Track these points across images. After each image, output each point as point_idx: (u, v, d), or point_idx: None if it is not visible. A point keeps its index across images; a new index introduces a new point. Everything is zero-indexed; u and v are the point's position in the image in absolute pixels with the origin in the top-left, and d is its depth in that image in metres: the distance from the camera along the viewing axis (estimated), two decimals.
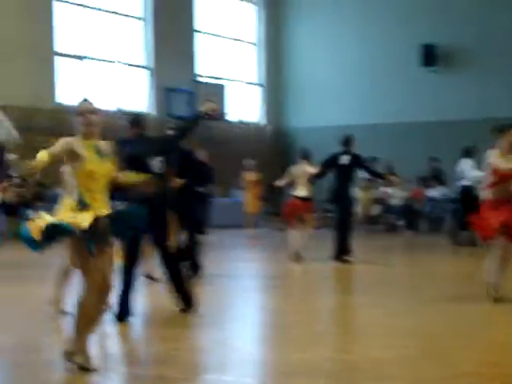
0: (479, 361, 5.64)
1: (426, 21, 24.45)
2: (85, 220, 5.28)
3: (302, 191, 12.65)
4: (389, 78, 24.96)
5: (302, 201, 12.62)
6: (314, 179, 12.59)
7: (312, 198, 12.84)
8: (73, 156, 5.52)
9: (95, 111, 5.67)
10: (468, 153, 15.38)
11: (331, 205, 12.99)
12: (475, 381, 5.08)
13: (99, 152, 5.59)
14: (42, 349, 6.28)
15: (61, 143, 5.60)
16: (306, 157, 12.86)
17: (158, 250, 7.77)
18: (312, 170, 12.60)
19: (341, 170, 12.43)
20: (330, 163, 12.57)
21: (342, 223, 12.52)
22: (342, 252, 12.34)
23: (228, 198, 22.96)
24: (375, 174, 13.37)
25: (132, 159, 7.35)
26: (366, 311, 8.15)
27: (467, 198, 14.03)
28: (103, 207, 5.46)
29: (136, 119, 8.11)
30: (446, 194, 20.41)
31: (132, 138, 7.97)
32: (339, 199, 12.56)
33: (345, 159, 12.37)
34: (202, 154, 20.62)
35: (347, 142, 12.54)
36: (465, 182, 14.94)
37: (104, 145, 5.67)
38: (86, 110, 5.64)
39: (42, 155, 5.39)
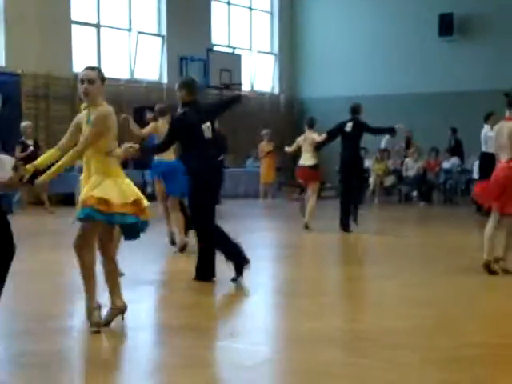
0: (490, 331, 5.67)
1: None
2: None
3: (307, 160, 12.91)
4: (404, 48, 24.78)
5: (309, 169, 12.83)
6: (318, 146, 12.85)
7: (318, 166, 13.03)
8: (78, 129, 5.70)
9: (93, 80, 5.60)
10: (485, 119, 15.37)
11: (339, 173, 13.07)
12: (486, 351, 5.11)
13: (89, 121, 5.60)
14: (59, 316, 6.35)
15: (71, 125, 5.77)
16: (312, 125, 13.17)
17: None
18: (317, 137, 12.79)
19: (345, 137, 12.58)
20: (336, 131, 12.73)
21: (346, 192, 12.65)
22: (346, 221, 12.45)
23: (243, 168, 22.99)
24: (382, 130, 13.43)
25: (193, 127, 7.71)
26: (377, 282, 8.19)
27: (485, 165, 13.96)
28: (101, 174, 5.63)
29: (193, 85, 8.31)
30: (461, 165, 20.38)
31: (188, 105, 8.12)
32: (345, 167, 12.66)
33: (349, 126, 12.51)
34: (216, 124, 20.58)
35: (354, 110, 12.69)
36: (484, 149, 14.90)
37: (95, 113, 5.62)
38: (84, 78, 5.62)
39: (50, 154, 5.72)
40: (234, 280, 7.63)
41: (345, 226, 12.43)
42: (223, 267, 7.81)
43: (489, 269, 8.06)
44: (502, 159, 8.06)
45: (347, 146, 12.61)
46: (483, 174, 10.54)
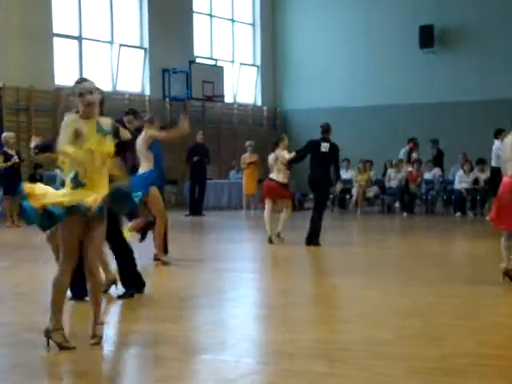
0: (477, 341, 5.66)
1: (425, 1, 24.40)
2: (85, 198, 5.35)
3: (280, 178, 12.87)
4: (386, 59, 24.92)
5: (282, 186, 12.80)
6: (290, 164, 12.88)
7: (288, 184, 13.04)
8: (76, 135, 5.52)
9: (94, 90, 5.68)
10: (495, 134, 16.11)
11: (311, 190, 13.06)
12: (472, 361, 5.10)
13: (101, 130, 5.58)
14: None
15: (69, 127, 5.56)
16: (278, 143, 13.05)
17: None
18: (287, 155, 12.77)
19: (319, 157, 12.55)
20: (308, 150, 12.72)
21: (318, 208, 12.67)
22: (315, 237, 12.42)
23: (226, 180, 22.98)
24: (336, 169, 13.30)
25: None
26: (361, 292, 8.17)
27: (494, 180, 14.21)
28: (100, 187, 5.47)
29: None
30: (442, 176, 20.45)
31: None
32: (317, 186, 12.67)
33: (324, 147, 12.52)
34: (199, 136, 20.68)
35: (327, 130, 12.67)
36: (494, 163, 15.59)
37: (105, 122, 5.69)
38: (86, 91, 5.64)
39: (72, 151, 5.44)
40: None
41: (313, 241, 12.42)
42: (206, 278, 7.76)
43: (509, 276, 8.11)
44: (509, 172, 8.16)
45: (321, 165, 12.56)
46: (494, 189, 10.70)
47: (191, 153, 19.82)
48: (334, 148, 12.55)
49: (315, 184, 12.65)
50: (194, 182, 19.77)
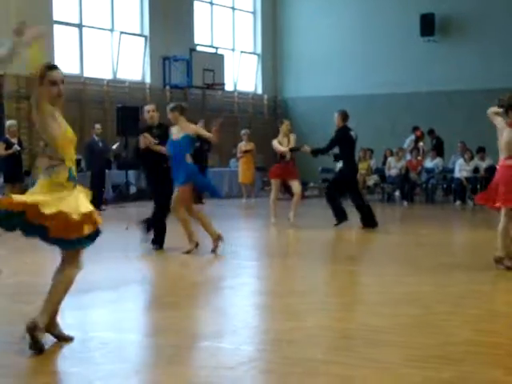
0: (475, 329, 5.69)
1: None
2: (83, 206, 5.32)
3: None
4: (387, 47, 24.87)
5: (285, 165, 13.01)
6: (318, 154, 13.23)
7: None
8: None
9: (63, 81, 5.35)
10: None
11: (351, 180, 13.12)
12: (471, 349, 5.14)
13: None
14: None
15: (47, 113, 5.25)
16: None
17: None
18: (278, 146, 13.38)
19: (351, 146, 12.85)
20: (340, 140, 12.82)
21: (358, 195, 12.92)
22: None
23: (225, 168, 22.99)
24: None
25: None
26: (361, 280, 8.22)
27: None
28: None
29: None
30: (443, 165, 20.47)
31: None
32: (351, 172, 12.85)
33: (354, 134, 12.82)
34: (200, 124, 20.75)
35: (347, 117, 12.83)
36: None
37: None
38: (59, 80, 5.32)
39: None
40: None
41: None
42: (206, 266, 7.78)
43: (501, 264, 8.18)
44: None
45: (352, 154, 12.88)
46: None
47: None
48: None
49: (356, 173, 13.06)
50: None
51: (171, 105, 10.46)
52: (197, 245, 9.98)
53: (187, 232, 10.01)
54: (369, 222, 12.72)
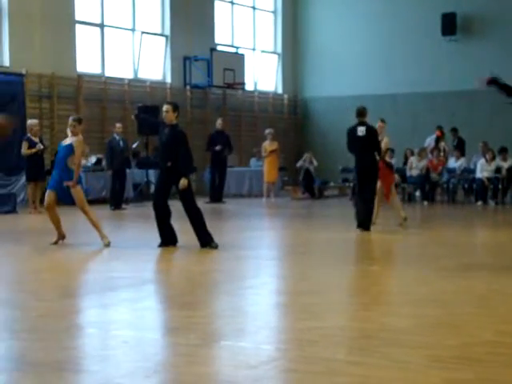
0: (497, 330, 5.65)
1: None
2: None
3: None
4: (408, 47, 24.79)
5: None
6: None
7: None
8: None
9: None
10: None
11: (358, 178, 12.93)
12: (492, 350, 5.10)
13: None
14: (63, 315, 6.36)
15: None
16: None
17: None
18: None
19: (360, 142, 12.42)
20: (348, 137, 12.58)
21: (367, 195, 12.59)
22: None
23: (247, 167, 23.00)
24: (380, 155, 13.16)
25: None
26: (381, 280, 8.19)
27: None
28: None
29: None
30: (464, 165, 20.35)
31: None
32: (367, 170, 12.51)
33: (361, 131, 12.40)
34: (219, 122, 20.74)
35: (361, 113, 12.51)
36: None
37: None
38: None
39: None
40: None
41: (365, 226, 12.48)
42: (226, 266, 7.78)
43: None
44: None
45: (362, 151, 12.41)
46: None
47: (212, 140, 19.85)
48: (370, 131, 12.42)
49: (363, 171, 12.52)
50: (214, 170, 19.81)
51: (74, 117, 11.07)
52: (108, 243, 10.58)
53: (98, 228, 10.76)
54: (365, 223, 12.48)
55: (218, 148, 19.57)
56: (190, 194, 10.33)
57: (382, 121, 13.26)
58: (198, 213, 10.33)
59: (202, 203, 18.71)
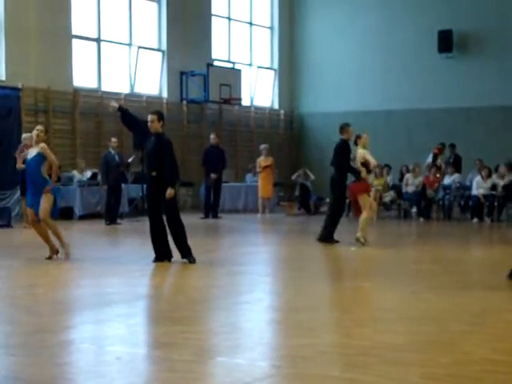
0: (491, 348, 5.64)
1: (443, 6, 24.34)
2: None
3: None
4: (404, 63, 24.88)
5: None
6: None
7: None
8: None
9: None
10: None
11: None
12: (487, 368, 5.09)
13: None
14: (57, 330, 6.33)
15: None
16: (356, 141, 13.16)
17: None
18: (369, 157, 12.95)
19: (333, 156, 12.87)
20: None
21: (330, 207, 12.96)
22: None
23: (242, 183, 23.00)
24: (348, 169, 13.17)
25: None
26: (375, 297, 8.17)
27: None
28: None
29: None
30: (460, 181, 20.35)
31: None
32: (331, 184, 12.93)
33: (335, 145, 12.87)
34: (212, 137, 20.72)
35: (340, 128, 12.84)
36: None
37: None
38: None
39: None
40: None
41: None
42: (221, 281, 7.75)
43: None
44: None
45: (332, 164, 12.92)
46: None
47: (207, 156, 19.85)
48: (337, 145, 12.77)
49: (330, 183, 12.87)
50: (209, 186, 19.80)
51: (40, 127, 11.23)
52: (57, 252, 10.76)
53: (59, 238, 10.78)
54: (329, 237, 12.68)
55: (213, 177, 19.57)
56: (174, 205, 10.30)
57: (361, 135, 13.11)
58: (181, 226, 10.28)
59: (196, 219, 18.76)
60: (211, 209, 19.78)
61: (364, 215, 12.63)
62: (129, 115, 10.79)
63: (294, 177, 22.09)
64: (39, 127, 11.12)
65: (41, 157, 10.70)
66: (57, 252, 10.83)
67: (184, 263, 10.23)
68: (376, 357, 5.36)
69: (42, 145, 10.79)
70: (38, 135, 10.85)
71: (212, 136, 20.20)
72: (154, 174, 10.21)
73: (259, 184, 20.97)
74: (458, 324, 6.52)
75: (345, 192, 13.09)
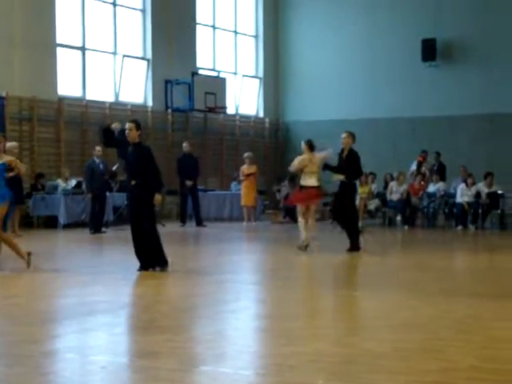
0: (477, 355, 5.64)
1: (427, 15, 24.46)
2: None
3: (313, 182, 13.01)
4: (389, 72, 24.97)
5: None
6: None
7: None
8: None
9: None
10: None
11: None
12: (473, 375, 5.09)
13: None
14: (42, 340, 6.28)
15: None
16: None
17: None
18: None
19: None
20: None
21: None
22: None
23: (228, 191, 22.97)
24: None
25: None
26: (361, 305, 8.16)
27: None
28: None
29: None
30: (444, 189, 20.42)
31: None
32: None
33: None
34: (185, 145, 20.73)
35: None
36: None
37: None
38: None
39: None
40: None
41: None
42: (207, 290, 7.72)
43: None
44: None
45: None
46: None
47: (180, 164, 19.84)
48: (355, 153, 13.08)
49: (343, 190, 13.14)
50: (185, 194, 19.78)
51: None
52: (29, 254, 10.44)
53: (15, 250, 10.46)
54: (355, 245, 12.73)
55: (188, 184, 19.56)
56: (151, 214, 10.25)
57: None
58: (155, 235, 10.24)
59: (177, 226, 18.79)
60: (195, 216, 19.75)
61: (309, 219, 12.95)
62: (115, 137, 10.66)
63: (277, 188, 22.16)
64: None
65: (4, 166, 10.58)
66: (26, 256, 10.57)
67: (168, 271, 10.18)
68: (363, 365, 5.35)
69: (6, 156, 10.67)
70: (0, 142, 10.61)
71: (184, 144, 20.19)
72: (133, 182, 10.21)
73: (242, 192, 20.93)
74: (444, 331, 6.52)
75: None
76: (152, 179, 10.17)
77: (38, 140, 19.32)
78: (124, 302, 8.24)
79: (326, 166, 13.04)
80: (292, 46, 26.90)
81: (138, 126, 10.34)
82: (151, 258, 10.24)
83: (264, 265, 12.26)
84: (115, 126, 10.58)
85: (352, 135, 13.02)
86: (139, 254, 10.32)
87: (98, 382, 4.99)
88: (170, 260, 10.28)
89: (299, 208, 13.04)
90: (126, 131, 10.30)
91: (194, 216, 19.76)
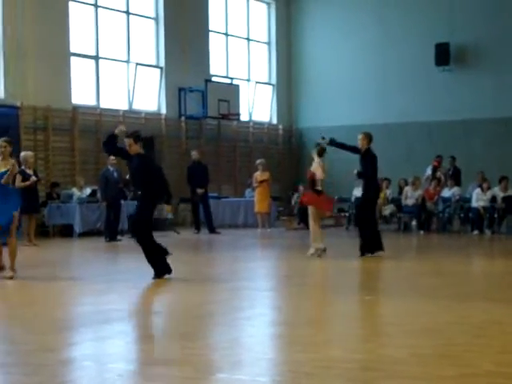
0: (495, 360, 5.60)
1: (440, 20, 24.40)
2: None
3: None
4: (402, 77, 24.92)
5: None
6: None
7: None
8: None
9: None
10: None
11: None
12: (492, 380, 5.05)
13: None
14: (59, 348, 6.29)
15: None
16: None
17: None
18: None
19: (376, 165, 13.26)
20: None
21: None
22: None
23: (242, 198, 22.97)
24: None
25: None
26: (378, 310, 8.13)
27: None
28: None
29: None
30: (460, 194, 20.34)
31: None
32: None
33: None
34: (194, 153, 20.77)
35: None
36: None
37: None
38: None
39: None
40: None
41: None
42: (222, 297, 7.72)
43: None
44: None
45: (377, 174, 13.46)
46: None
47: (189, 172, 19.87)
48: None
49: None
50: (197, 201, 19.82)
51: (5, 138, 10.71)
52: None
53: (12, 259, 10.43)
54: (373, 247, 12.77)
55: (200, 192, 19.59)
56: (148, 223, 10.21)
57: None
58: (150, 243, 10.19)
59: (191, 234, 18.83)
60: (207, 224, 19.77)
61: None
62: (117, 146, 10.64)
63: (295, 198, 22.23)
64: (5, 139, 10.56)
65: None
66: (1, 269, 10.60)
67: (183, 279, 10.17)
68: (379, 371, 5.31)
69: (11, 161, 10.50)
70: (5, 147, 10.39)
71: (193, 152, 20.23)
72: (139, 193, 10.23)
73: (255, 199, 20.91)
74: (462, 337, 6.48)
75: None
76: (154, 189, 10.08)
77: (52, 149, 19.39)
78: (140, 309, 8.24)
79: (332, 142, 13.08)
80: (305, 53, 26.89)
81: (136, 139, 10.22)
82: (159, 265, 10.21)
83: (279, 271, 12.24)
84: (119, 130, 10.48)
85: (368, 136, 13.00)
86: (152, 262, 10.31)
87: None
88: (169, 254, 10.32)
89: (313, 211, 12.99)
90: (127, 147, 10.24)
91: (206, 224, 19.78)
